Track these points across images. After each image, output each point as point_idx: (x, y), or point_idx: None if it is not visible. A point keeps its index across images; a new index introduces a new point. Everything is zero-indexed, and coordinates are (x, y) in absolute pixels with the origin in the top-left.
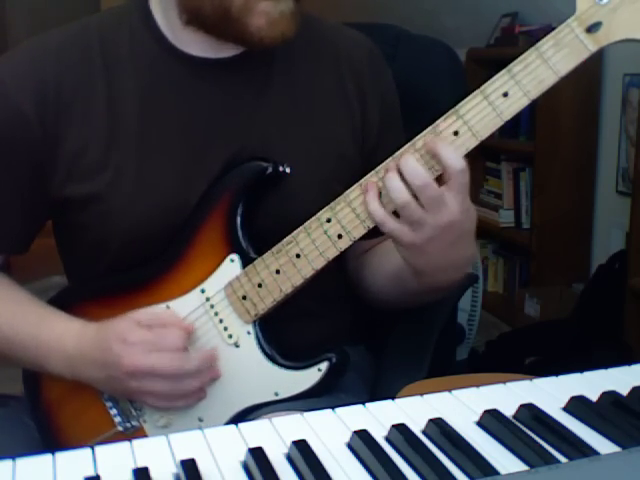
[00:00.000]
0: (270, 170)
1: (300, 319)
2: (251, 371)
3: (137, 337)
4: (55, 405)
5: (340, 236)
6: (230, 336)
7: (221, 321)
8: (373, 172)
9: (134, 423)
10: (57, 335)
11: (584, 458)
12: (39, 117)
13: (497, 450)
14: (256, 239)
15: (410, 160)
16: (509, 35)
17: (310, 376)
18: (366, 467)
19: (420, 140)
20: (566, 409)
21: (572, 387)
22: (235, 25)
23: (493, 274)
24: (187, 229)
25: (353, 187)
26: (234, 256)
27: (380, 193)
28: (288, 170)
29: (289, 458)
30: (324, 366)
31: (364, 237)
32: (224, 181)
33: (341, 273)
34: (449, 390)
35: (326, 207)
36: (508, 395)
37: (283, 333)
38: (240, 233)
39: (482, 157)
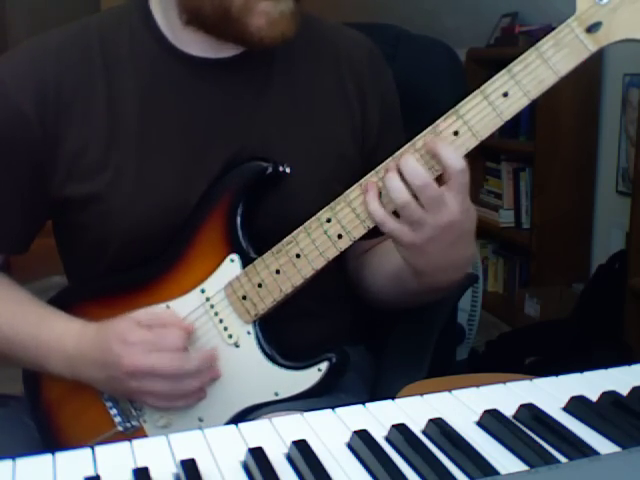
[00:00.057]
0: (270, 170)
1: (300, 319)
2: (251, 371)
3: (137, 337)
4: (55, 405)
5: (340, 236)
6: (230, 336)
7: (221, 321)
8: (373, 172)
9: (134, 423)
10: (57, 335)
11: (584, 458)
12: (39, 117)
13: (497, 450)
14: (256, 239)
15: (410, 160)
16: (509, 35)
17: (310, 376)
18: (366, 467)
19: (420, 140)
20: (566, 409)
21: (572, 387)
22: (235, 25)
23: (493, 274)
24: (187, 229)
25: (353, 187)
26: (234, 256)
27: (380, 193)
28: (288, 170)
29: (289, 458)
30: (324, 366)
31: (364, 237)
32: (224, 181)
33: (341, 273)
34: (449, 390)
35: (326, 207)
36: (508, 395)
37: (283, 333)
38: (240, 233)
39: (482, 157)
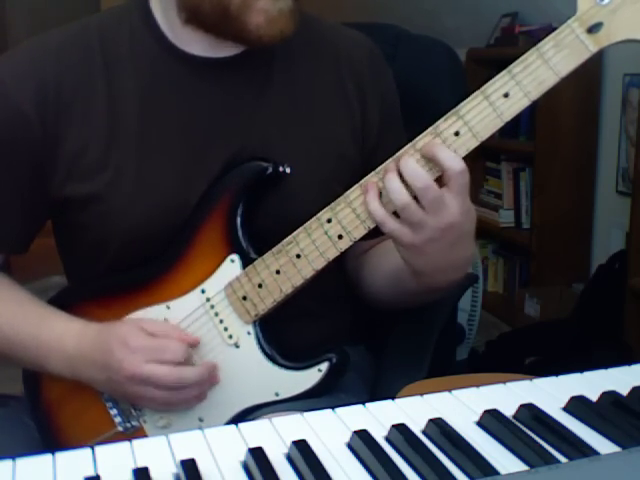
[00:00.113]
0: (270, 170)
1: (300, 319)
2: (251, 371)
3: (139, 343)
4: (55, 405)
5: (340, 236)
6: (230, 336)
7: (221, 321)
8: (373, 173)
9: (134, 423)
10: (57, 335)
11: (584, 458)
12: (39, 117)
13: (497, 450)
14: (256, 239)
15: (410, 162)
16: (509, 35)
17: (310, 376)
18: (366, 467)
19: (421, 141)
20: (566, 409)
21: (572, 387)
22: (234, 23)
23: (493, 274)
24: (187, 229)
25: (353, 188)
26: (234, 256)
27: (380, 193)
28: (288, 170)
29: (289, 458)
30: (324, 366)
31: (364, 237)
32: (224, 181)
33: (341, 273)
34: (449, 390)
35: (326, 207)
36: (508, 395)
37: (283, 333)
38: (240, 233)
39: (482, 157)
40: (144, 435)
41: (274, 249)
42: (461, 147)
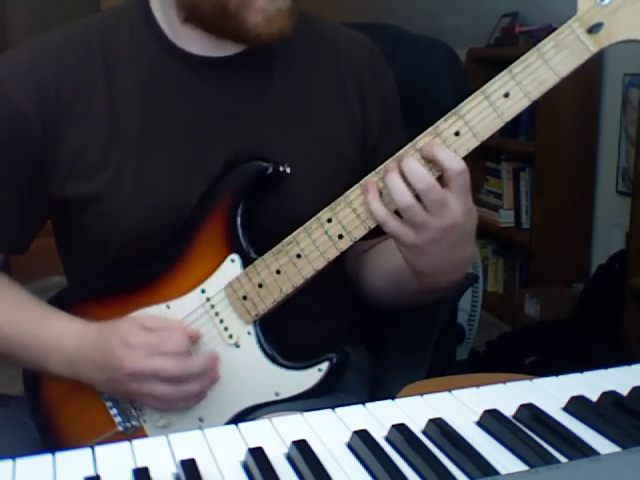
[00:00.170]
0: (270, 170)
1: (300, 319)
2: (251, 371)
3: (140, 340)
4: (55, 405)
5: (341, 236)
6: (230, 336)
7: (221, 321)
8: (373, 172)
9: (134, 423)
10: (57, 335)
11: (584, 458)
12: (39, 117)
13: (497, 450)
14: (256, 239)
15: (412, 162)
16: (509, 35)
17: (311, 376)
18: (366, 467)
19: (421, 141)
20: (566, 409)
21: (572, 387)
22: (232, 22)
23: (493, 274)
24: (187, 229)
25: (354, 187)
26: (234, 256)
27: (381, 193)
28: (288, 170)
29: (289, 458)
30: (324, 366)
31: (364, 237)
32: (224, 181)
33: (341, 273)
34: (449, 390)
35: (327, 207)
36: (508, 395)
37: (283, 333)
38: (240, 233)
39: (482, 157)
40: (144, 435)
41: (274, 249)
42: (461, 147)
